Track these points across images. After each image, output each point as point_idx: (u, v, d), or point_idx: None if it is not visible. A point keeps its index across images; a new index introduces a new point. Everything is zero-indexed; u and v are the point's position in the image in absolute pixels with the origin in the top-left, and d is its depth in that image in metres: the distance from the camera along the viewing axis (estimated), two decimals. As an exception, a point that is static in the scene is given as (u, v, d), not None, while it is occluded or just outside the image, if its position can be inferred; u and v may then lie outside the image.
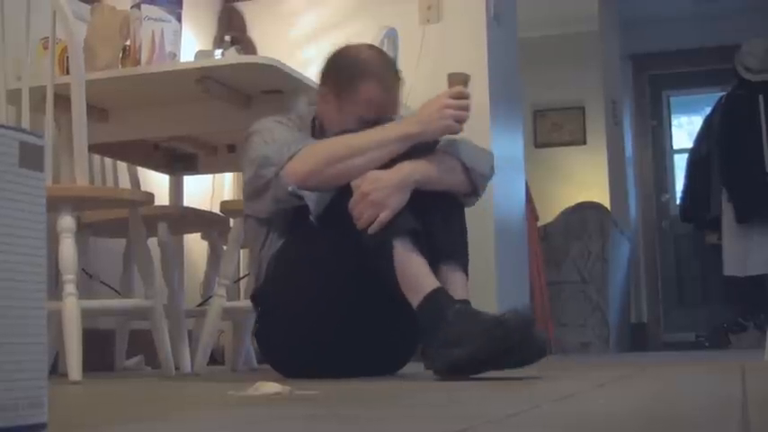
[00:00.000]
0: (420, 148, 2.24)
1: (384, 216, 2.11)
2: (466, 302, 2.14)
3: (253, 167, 2.29)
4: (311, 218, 2.18)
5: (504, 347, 1.92)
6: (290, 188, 2.21)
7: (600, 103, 6.31)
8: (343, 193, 2.18)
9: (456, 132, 2.27)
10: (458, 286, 2.19)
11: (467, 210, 2.36)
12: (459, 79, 2.28)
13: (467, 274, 2.26)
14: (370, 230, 2.12)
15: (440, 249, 2.19)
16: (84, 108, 2.50)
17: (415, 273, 2.10)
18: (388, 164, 2.19)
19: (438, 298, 2.08)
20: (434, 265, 2.17)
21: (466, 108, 2.23)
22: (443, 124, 2.22)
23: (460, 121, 2.23)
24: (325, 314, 2.25)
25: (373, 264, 2.14)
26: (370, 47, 2.51)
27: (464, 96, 2.24)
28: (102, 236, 3.29)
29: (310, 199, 2.19)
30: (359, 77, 2.35)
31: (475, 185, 2.33)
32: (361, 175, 2.17)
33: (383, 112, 2.33)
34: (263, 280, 2.39)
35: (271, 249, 2.36)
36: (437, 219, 2.21)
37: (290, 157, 2.22)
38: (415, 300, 2.09)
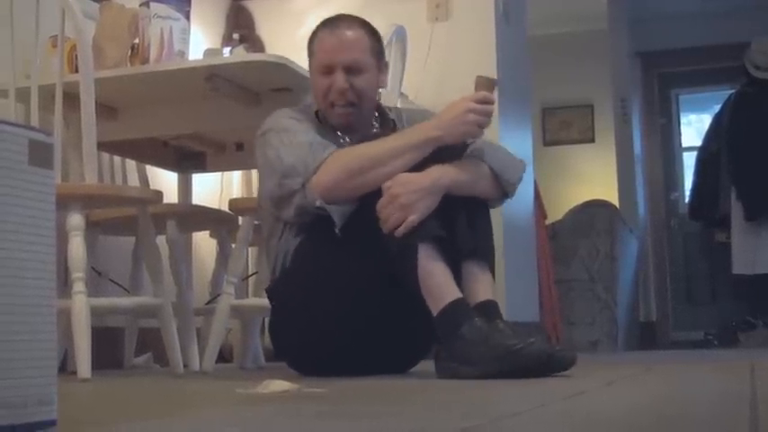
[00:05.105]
0: (449, 151, 2.21)
1: (412, 219, 2.09)
2: (492, 304, 2.14)
3: (276, 176, 2.26)
4: (336, 230, 2.17)
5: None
6: (317, 203, 2.18)
7: (609, 100, 6.29)
8: (367, 199, 2.16)
9: (477, 137, 2.26)
10: (482, 286, 2.18)
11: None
12: (485, 83, 2.25)
13: (493, 274, 2.24)
14: (397, 233, 2.10)
15: (464, 249, 2.17)
16: (93, 106, 2.51)
17: (437, 281, 2.09)
18: (418, 166, 2.17)
19: (456, 310, 2.07)
20: (459, 265, 2.16)
21: (489, 114, 2.21)
22: (465, 129, 2.19)
23: (483, 126, 2.21)
24: (340, 312, 2.25)
25: (396, 267, 2.13)
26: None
27: (489, 101, 2.21)
28: (111, 234, 3.29)
29: (335, 212, 2.18)
30: (313, 34, 2.42)
31: (504, 191, 2.33)
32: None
33: (334, 55, 2.34)
34: (279, 275, 2.39)
35: (286, 243, 2.35)
36: (462, 218, 2.18)
37: (316, 169, 2.19)
38: (434, 308, 2.09)
